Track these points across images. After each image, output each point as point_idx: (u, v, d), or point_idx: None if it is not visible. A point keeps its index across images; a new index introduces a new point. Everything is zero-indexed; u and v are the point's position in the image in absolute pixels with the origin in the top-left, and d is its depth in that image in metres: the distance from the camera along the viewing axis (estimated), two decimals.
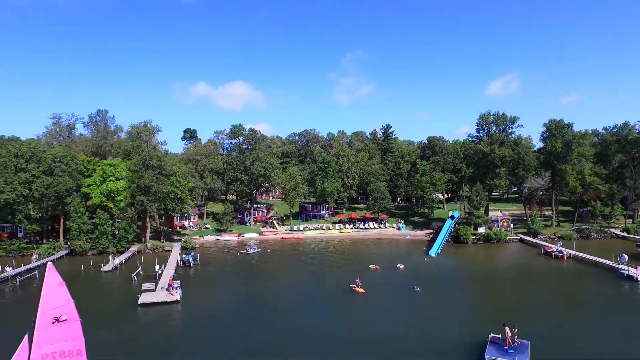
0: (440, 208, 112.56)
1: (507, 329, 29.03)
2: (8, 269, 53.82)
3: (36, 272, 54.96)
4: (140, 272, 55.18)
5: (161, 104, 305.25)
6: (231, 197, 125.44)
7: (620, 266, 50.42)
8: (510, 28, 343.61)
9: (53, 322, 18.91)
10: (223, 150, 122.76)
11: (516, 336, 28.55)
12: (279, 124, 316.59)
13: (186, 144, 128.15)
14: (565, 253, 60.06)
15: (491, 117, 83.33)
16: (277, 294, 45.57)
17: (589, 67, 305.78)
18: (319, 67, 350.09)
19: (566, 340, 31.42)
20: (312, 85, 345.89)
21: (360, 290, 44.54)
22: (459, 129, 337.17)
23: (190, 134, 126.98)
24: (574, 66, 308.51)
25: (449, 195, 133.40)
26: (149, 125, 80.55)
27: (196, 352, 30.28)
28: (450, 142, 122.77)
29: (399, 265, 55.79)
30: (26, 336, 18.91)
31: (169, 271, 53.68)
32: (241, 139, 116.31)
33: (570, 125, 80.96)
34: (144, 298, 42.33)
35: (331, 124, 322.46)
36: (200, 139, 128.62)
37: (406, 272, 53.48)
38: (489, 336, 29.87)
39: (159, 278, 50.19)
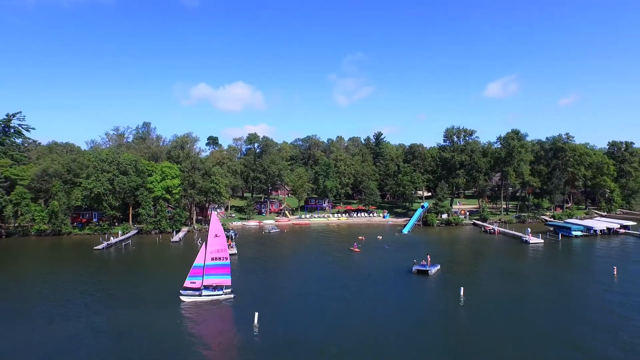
0: (419, 202, 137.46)
1: (429, 256, 53.90)
2: (112, 238, 78.69)
3: (129, 241, 79.98)
4: (200, 240, 79.90)
5: (162, 104, 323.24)
6: (246, 194, 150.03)
7: (523, 235, 75.58)
8: (509, 31, 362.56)
9: (214, 236, 43.65)
10: (240, 154, 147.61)
11: (429, 259, 53.32)
12: (278, 125, 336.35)
13: (209, 149, 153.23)
14: (496, 230, 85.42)
15: (454, 130, 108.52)
16: (298, 251, 70.49)
17: (588, 69, 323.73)
18: (319, 68, 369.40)
19: (466, 265, 56.56)
20: (312, 87, 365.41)
21: (357, 250, 68.93)
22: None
23: (213, 141, 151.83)
24: (573, 68, 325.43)
25: (432, 193, 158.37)
26: (190, 137, 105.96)
27: (252, 277, 54.98)
28: (429, 147, 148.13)
29: (379, 236, 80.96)
30: (204, 244, 43.77)
31: None
32: (256, 145, 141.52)
33: (515, 138, 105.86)
34: None
35: (330, 125, 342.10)
36: (221, 144, 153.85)
37: (383, 241, 78.47)
38: (421, 262, 54.46)
39: None
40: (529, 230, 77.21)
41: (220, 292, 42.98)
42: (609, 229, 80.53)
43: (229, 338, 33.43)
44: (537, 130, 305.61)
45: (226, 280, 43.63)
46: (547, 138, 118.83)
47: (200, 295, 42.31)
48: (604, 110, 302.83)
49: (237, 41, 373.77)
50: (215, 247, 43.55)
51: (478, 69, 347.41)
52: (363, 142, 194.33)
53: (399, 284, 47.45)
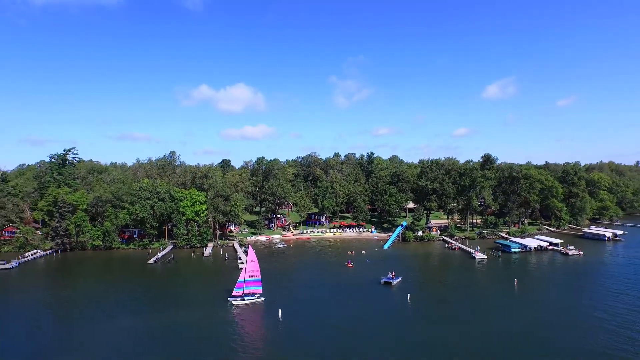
0: (404, 217, 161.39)
1: (393, 272, 77.63)
2: (158, 254, 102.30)
3: (172, 255, 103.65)
4: (227, 256, 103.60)
5: (164, 105, 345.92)
6: (255, 208, 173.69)
7: (473, 252, 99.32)
8: (507, 34, 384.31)
9: (251, 262, 67.36)
10: (249, 175, 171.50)
11: (393, 273, 77.01)
12: (278, 126, 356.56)
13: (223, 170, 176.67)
14: (456, 246, 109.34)
15: (428, 162, 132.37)
16: (304, 265, 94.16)
17: (587, 71, 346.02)
18: (321, 70, 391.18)
19: (421, 277, 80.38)
20: (313, 88, 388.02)
21: (350, 266, 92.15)
22: (456, 130, 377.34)
23: (226, 163, 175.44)
24: (572, 70, 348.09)
25: (416, 205, 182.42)
26: (212, 167, 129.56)
27: (274, 286, 78.41)
28: (418, 161, 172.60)
29: (363, 251, 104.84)
30: (244, 266, 67.56)
31: (243, 255, 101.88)
32: (264, 167, 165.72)
33: (479, 168, 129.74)
34: (241, 265, 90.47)
35: (331, 125, 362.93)
36: (234, 166, 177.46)
37: (367, 255, 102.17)
38: (388, 275, 77.93)
39: (240, 258, 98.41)
40: (478, 247, 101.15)
41: (254, 297, 66.61)
42: (540, 246, 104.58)
43: (263, 327, 56.86)
44: (536, 131, 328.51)
45: (258, 289, 67.32)
46: (510, 167, 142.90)
47: (242, 300, 65.88)
48: (603, 111, 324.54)
49: (239, 44, 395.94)
50: (252, 268, 67.29)
51: (477, 71, 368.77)
52: (357, 158, 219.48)
53: (370, 291, 71.17)
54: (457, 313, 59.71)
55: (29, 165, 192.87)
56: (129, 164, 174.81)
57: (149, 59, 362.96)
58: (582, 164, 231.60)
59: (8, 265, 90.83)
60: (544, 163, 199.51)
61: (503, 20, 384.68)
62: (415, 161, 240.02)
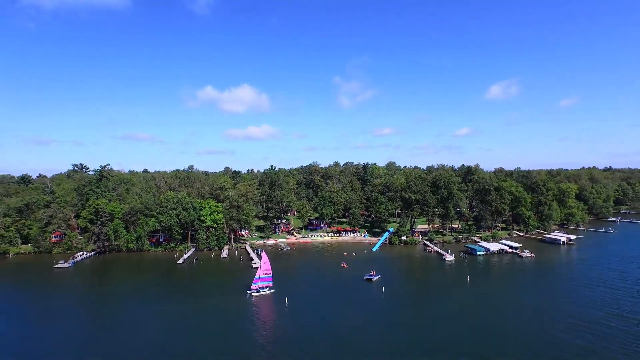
0: (394, 222, 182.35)
1: (374, 270, 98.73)
2: (185, 255, 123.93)
3: (196, 257, 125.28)
4: (241, 257, 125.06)
5: (169, 106, 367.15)
6: (262, 214, 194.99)
7: (444, 254, 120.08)
8: (511, 35, 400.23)
9: (264, 263, 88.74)
10: (257, 184, 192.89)
11: (374, 272, 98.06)
12: (281, 126, 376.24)
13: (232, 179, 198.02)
14: (432, 249, 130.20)
15: (412, 176, 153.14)
16: (305, 265, 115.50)
17: (589, 71, 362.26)
18: (325, 71, 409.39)
19: (397, 274, 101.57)
20: (317, 89, 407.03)
21: (345, 266, 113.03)
22: (458, 130, 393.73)
23: (236, 174, 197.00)
24: (574, 70, 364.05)
25: (404, 212, 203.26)
26: (227, 181, 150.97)
27: (281, 281, 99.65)
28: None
29: (353, 253, 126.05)
30: (260, 266, 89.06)
31: (255, 256, 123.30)
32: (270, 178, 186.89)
33: (454, 182, 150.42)
34: (255, 265, 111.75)
35: (333, 125, 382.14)
36: (242, 173, 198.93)
37: (356, 257, 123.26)
38: (370, 272, 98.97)
39: (253, 259, 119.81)
40: (449, 250, 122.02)
41: (266, 289, 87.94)
42: (501, 249, 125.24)
43: (273, 310, 78.03)
44: (539, 131, 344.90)
45: (269, 284, 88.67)
46: (485, 180, 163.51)
47: (258, 292, 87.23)
48: (606, 110, 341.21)
49: (245, 46, 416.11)
50: (265, 268, 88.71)
51: (480, 72, 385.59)
52: (354, 165, 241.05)
53: (355, 285, 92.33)
54: (418, 301, 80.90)
55: (59, 174, 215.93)
56: (136, 167, 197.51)
57: (156, 61, 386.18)
58: (580, 167, 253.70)
59: (66, 265, 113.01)
60: (527, 171, 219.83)
61: (506, 21, 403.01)
62: (417, 162, 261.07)
